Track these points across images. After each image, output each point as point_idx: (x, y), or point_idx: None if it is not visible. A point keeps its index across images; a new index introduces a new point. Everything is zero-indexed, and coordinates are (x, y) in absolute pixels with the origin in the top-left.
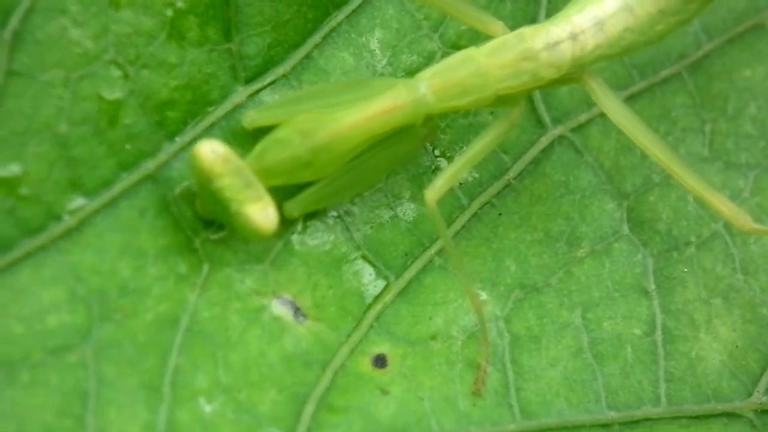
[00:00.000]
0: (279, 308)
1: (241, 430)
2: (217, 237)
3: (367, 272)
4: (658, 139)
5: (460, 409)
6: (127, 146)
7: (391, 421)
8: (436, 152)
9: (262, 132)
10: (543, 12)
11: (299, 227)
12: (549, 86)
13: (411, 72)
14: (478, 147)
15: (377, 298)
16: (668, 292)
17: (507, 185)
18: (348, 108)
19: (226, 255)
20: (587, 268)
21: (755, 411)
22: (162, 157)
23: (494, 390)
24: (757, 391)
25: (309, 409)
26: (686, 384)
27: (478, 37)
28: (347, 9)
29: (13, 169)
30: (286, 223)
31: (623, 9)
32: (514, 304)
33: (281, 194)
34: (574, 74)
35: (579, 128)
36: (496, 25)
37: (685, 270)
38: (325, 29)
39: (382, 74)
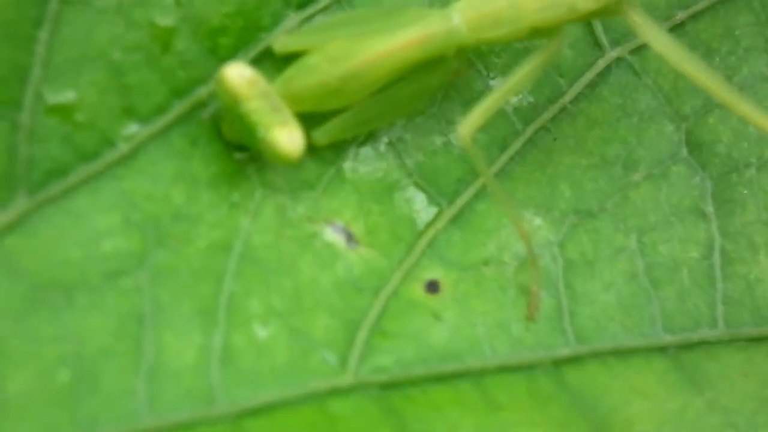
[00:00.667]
0: (331, 235)
1: (295, 355)
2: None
3: (419, 199)
4: (707, 68)
5: (513, 334)
6: (180, 73)
7: (444, 346)
8: (491, 75)
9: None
10: None
11: (351, 154)
12: (587, 18)
13: None
14: (513, 80)
15: (429, 224)
16: (727, 215)
17: (562, 109)
18: (380, 36)
19: (279, 182)
20: (644, 192)
21: None
22: (214, 85)
23: (547, 315)
24: None
25: (362, 334)
26: (744, 306)
27: None
28: None
29: (69, 95)
30: (337, 150)
31: None
32: (569, 229)
33: (309, 122)
34: (612, 6)
35: (637, 50)
36: None
37: (745, 192)
38: None
39: None
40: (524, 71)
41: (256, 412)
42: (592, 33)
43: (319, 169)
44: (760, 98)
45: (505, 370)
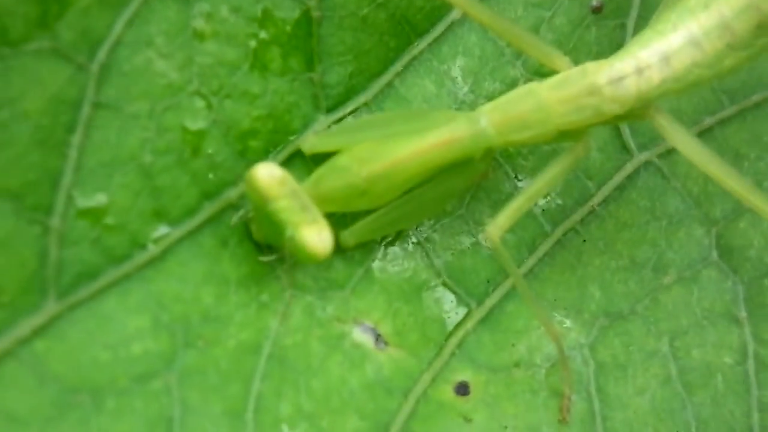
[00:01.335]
0: (360, 335)
1: None
2: (298, 263)
3: (449, 299)
4: (736, 173)
5: None
6: (210, 175)
7: None
8: (519, 177)
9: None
10: (629, 39)
11: (379, 254)
12: (613, 122)
13: (493, 99)
14: (541, 182)
15: (459, 325)
16: (760, 320)
17: (591, 211)
18: (408, 138)
19: (307, 282)
20: (675, 295)
21: None
22: (244, 186)
23: (580, 419)
24: None
25: None
26: None
27: None
28: (429, 37)
29: (100, 199)
30: (366, 250)
31: (690, 44)
32: (599, 332)
33: (338, 222)
34: (638, 110)
35: (666, 154)
36: (561, 60)
37: None
38: (406, 57)
39: (463, 102)
40: (552, 173)
41: None
42: (619, 136)
43: (348, 269)
44: None
45: None
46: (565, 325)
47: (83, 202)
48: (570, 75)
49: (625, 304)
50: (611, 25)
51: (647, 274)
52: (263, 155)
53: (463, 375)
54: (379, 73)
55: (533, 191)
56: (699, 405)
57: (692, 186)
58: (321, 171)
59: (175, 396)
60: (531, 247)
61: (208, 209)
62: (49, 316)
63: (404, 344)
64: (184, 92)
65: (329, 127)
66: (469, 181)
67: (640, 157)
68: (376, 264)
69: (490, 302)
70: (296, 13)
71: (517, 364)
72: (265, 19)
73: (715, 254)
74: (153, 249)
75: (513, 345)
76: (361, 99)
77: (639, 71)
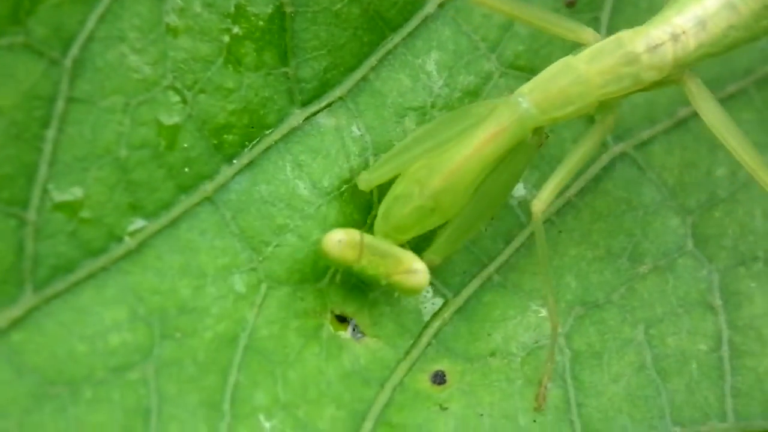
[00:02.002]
0: (337, 326)
1: None
2: (275, 255)
3: (425, 290)
4: (751, 145)
5: (521, 426)
6: (186, 169)
7: None
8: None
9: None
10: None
11: None
12: (649, 89)
13: (469, 92)
14: (577, 156)
15: (435, 315)
16: (735, 308)
17: (567, 202)
18: (456, 144)
19: (284, 274)
20: (650, 284)
21: None
22: (220, 179)
23: (555, 406)
24: None
25: (368, 425)
26: (754, 399)
27: (536, 56)
28: (403, 31)
29: (75, 192)
30: None
31: (726, 6)
32: (575, 321)
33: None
34: (674, 75)
35: (641, 145)
36: (586, 33)
37: (753, 285)
38: (381, 52)
39: (438, 95)
40: (586, 146)
41: None
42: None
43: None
44: None
45: None
46: (541, 315)
47: (59, 195)
48: (605, 46)
49: (601, 294)
50: (585, 19)
51: (623, 263)
52: (238, 149)
53: (440, 364)
54: (353, 68)
55: (571, 165)
56: (673, 391)
57: (668, 176)
58: (385, 205)
59: (152, 387)
60: (507, 238)
61: (185, 203)
62: (26, 309)
63: (381, 334)
64: (158, 87)
65: (304, 121)
66: (529, 158)
67: (616, 149)
68: None
69: (466, 293)
70: (269, 9)
71: (493, 353)
72: (238, 14)
73: (690, 243)
74: (129, 242)
75: (489, 334)
76: (336, 93)
77: (675, 37)
